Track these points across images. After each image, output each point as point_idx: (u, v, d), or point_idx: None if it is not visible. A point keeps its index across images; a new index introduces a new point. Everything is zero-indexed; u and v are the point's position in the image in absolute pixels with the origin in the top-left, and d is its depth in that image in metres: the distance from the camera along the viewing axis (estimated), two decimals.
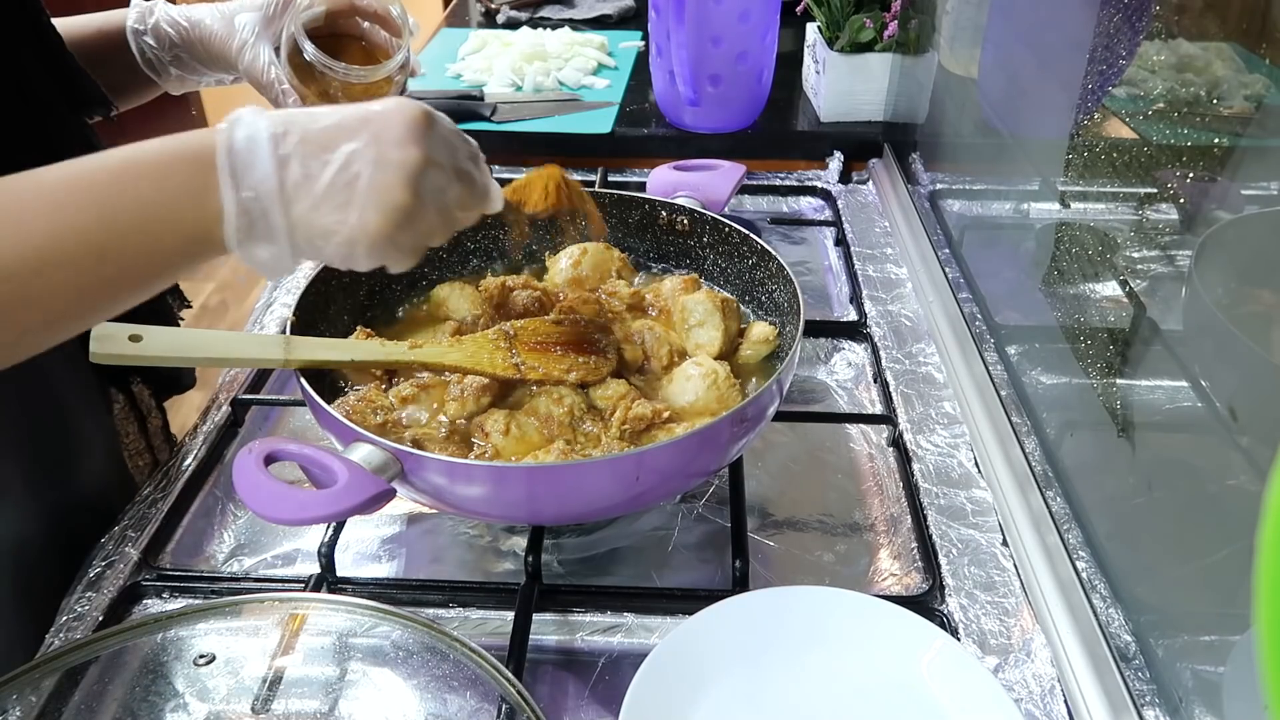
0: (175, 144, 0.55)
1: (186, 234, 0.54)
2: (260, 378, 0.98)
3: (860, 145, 1.42)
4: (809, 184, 1.34)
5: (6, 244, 0.49)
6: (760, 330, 0.86)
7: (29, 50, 0.74)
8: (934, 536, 0.79)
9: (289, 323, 0.78)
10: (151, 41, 0.87)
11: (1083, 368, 0.75)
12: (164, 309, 0.92)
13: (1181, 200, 0.65)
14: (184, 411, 0.99)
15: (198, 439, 0.89)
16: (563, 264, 0.94)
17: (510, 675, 0.60)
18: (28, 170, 0.52)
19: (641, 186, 1.02)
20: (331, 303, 0.86)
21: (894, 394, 0.94)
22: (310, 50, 0.83)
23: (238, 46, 0.86)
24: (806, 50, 1.52)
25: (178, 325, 0.89)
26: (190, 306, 0.96)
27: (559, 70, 1.58)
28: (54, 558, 0.77)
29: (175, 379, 0.93)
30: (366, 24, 0.90)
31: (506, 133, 1.42)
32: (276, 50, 0.86)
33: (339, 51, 0.90)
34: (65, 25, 0.82)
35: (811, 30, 1.47)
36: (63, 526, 0.78)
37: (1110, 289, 0.73)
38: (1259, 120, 0.59)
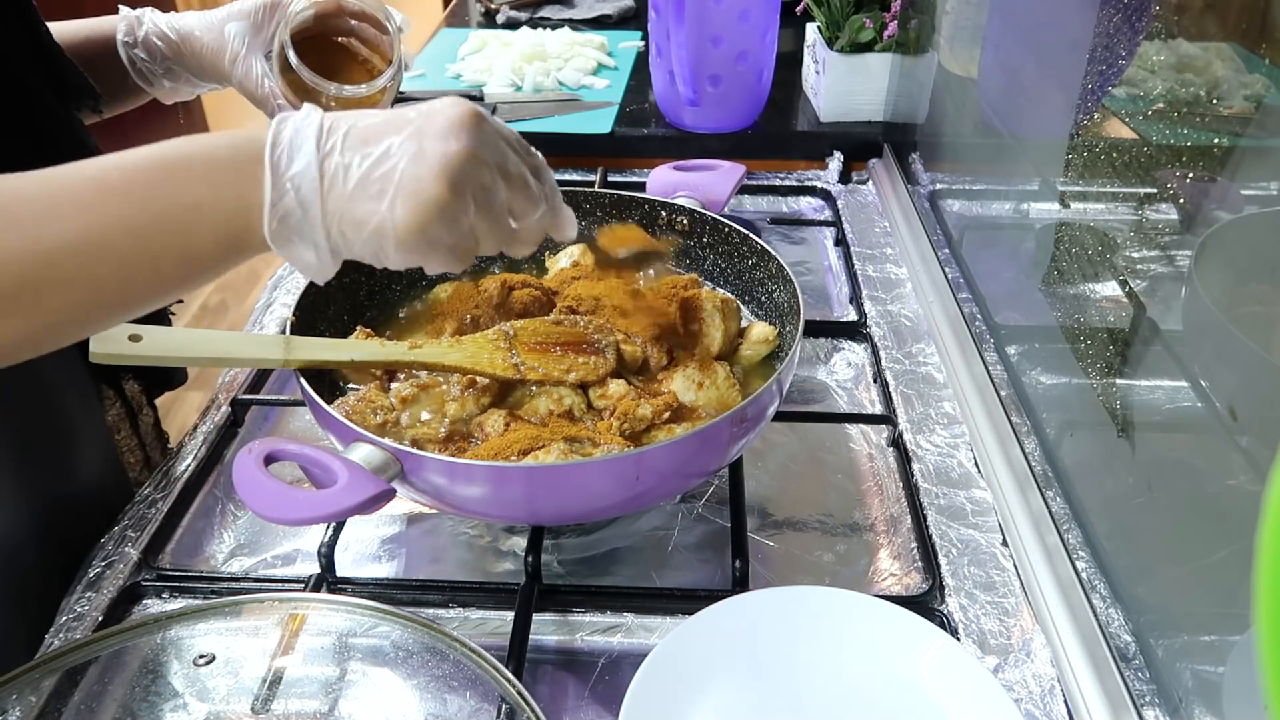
0: (226, 138, 0.55)
1: (228, 227, 0.54)
2: (260, 378, 0.98)
3: (860, 145, 1.42)
4: (809, 184, 1.34)
5: (48, 229, 0.49)
6: (760, 330, 0.86)
7: (13, 38, 0.74)
8: (934, 536, 0.79)
9: (289, 323, 0.78)
10: (142, 54, 0.87)
11: (1083, 368, 0.75)
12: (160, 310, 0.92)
13: (1181, 200, 0.65)
14: (184, 412, 0.99)
15: (197, 439, 0.89)
16: (563, 263, 0.94)
17: (510, 675, 0.60)
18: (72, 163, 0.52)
19: (641, 186, 1.02)
20: (331, 303, 0.86)
21: (894, 394, 0.94)
22: (298, 65, 0.83)
23: (230, 59, 0.85)
24: (806, 50, 1.52)
25: (169, 324, 0.89)
26: (180, 300, 0.96)
27: (559, 70, 1.58)
28: (47, 555, 0.77)
29: (167, 376, 0.93)
30: (355, 23, 0.89)
31: None
32: (268, 57, 0.86)
33: (331, 51, 0.89)
34: (53, 31, 0.82)
35: (811, 30, 1.47)
36: (55, 524, 0.78)
37: (1110, 289, 0.73)
38: (1259, 120, 0.59)
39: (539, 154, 0.63)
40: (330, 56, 0.88)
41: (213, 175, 0.54)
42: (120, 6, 0.87)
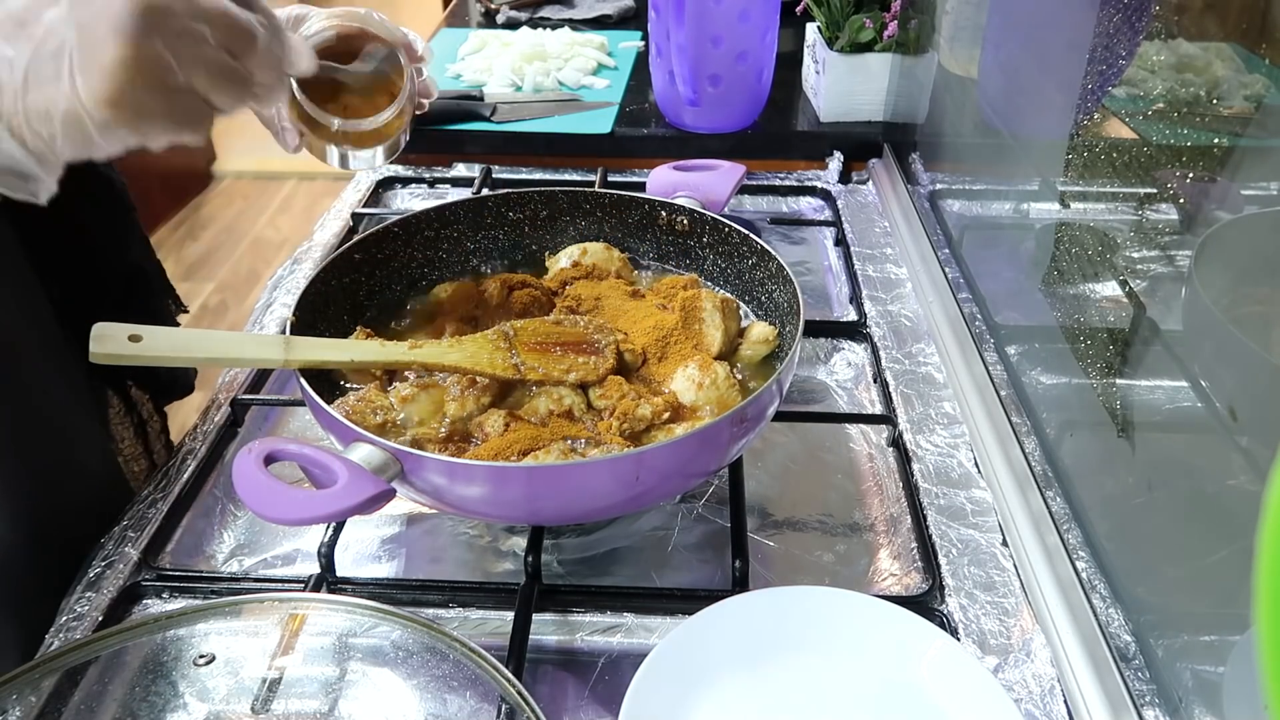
0: None
1: None
2: (260, 378, 0.98)
3: (860, 145, 1.42)
4: (809, 184, 1.34)
5: None
6: (760, 330, 0.86)
7: None
8: (934, 536, 0.79)
9: (289, 323, 0.78)
10: None
11: (1083, 368, 0.75)
12: (161, 313, 0.92)
13: (1181, 200, 0.65)
14: (184, 412, 0.99)
15: (197, 439, 0.89)
16: (563, 264, 0.94)
17: (510, 675, 0.60)
18: None
19: (641, 186, 1.02)
20: (331, 303, 0.86)
21: (894, 394, 0.94)
22: (300, 96, 0.80)
23: None
24: (806, 50, 1.52)
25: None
26: (187, 311, 0.96)
27: (559, 70, 1.58)
28: (43, 561, 0.77)
29: (174, 384, 0.92)
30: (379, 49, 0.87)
31: (506, 133, 1.42)
32: None
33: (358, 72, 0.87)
34: None
35: (811, 30, 1.47)
36: (52, 530, 0.78)
37: (1110, 289, 0.73)
38: (1259, 120, 0.59)
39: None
40: (345, 88, 0.84)
41: None
42: None
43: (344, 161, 0.80)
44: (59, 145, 0.50)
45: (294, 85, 0.81)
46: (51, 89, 0.48)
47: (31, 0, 0.48)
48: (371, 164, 0.82)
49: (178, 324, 0.91)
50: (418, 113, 0.86)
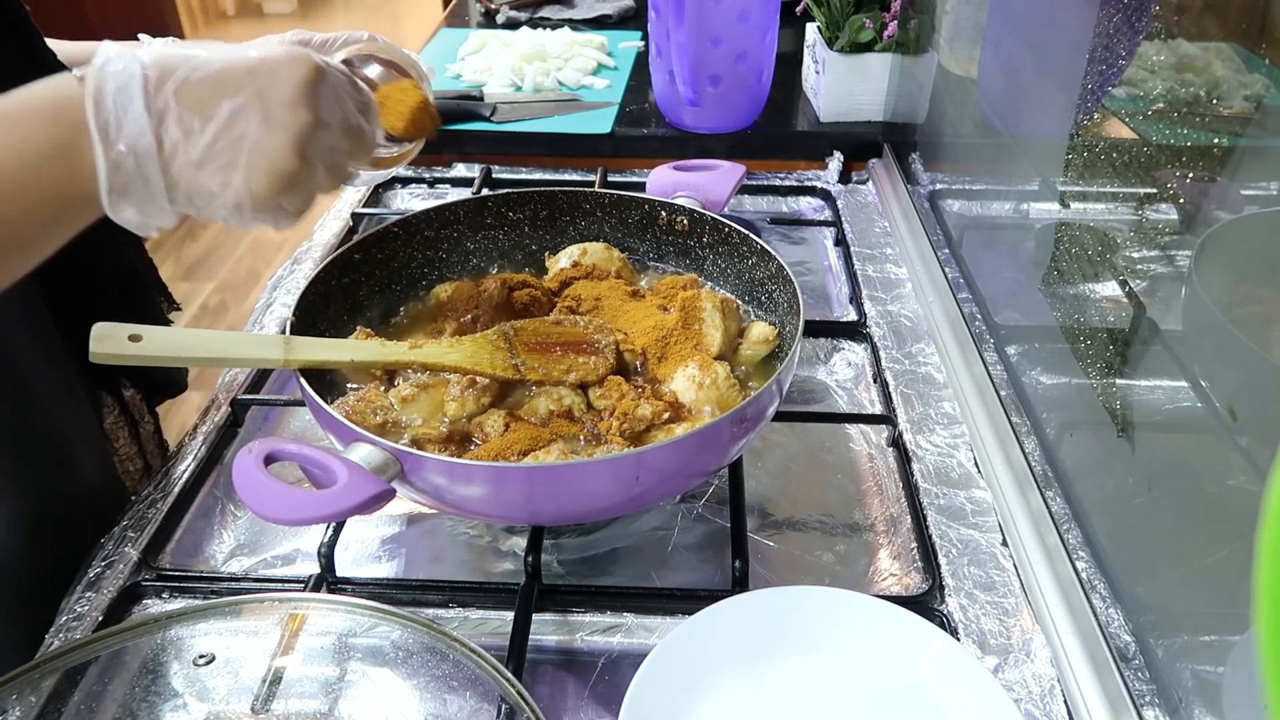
0: (37, 96, 0.51)
1: (60, 192, 0.51)
2: (260, 378, 0.98)
3: (860, 145, 1.42)
4: (809, 184, 1.34)
5: None
6: (760, 330, 0.86)
7: (6, 49, 0.73)
8: (934, 537, 0.79)
9: (289, 323, 0.78)
10: None
11: (1083, 368, 0.75)
12: (155, 312, 0.92)
13: (1181, 200, 0.65)
14: (183, 412, 0.99)
15: (197, 439, 0.89)
16: (563, 264, 0.94)
17: (510, 675, 0.60)
18: None
19: (641, 186, 1.02)
20: (331, 303, 0.86)
21: (894, 394, 0.94)
22: None
23: None
24: (806, 50, 1.52)
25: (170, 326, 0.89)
26: (179, 308, 0.96)
27: (559, 70, 1.58)
28: (42, 561, 0.77)
29: (167, 383, 0.92)
30: (380, 70, 0.87)
31: (506, 133, 1.41)
32: None
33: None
34: (56, 49, 0.81)
35: (811, 30, 1.47)
36: (49, 531, 0.78)
37: (1110, 289, 0.73)
38: (1259, 120, 0.59)
39: (366, 89, 0.62)
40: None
41: (32, 143, 0.50)
42: (107, 36, 0.87)
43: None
44: (205, 215, 0.55)
45: None
46: (224, 176, 0.53)
47: (217, 79, 0.53)
48: (373, 180, 0.83)
49: (170, 322, 0.91)
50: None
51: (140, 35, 0.86)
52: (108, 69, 0.52)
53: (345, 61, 0.81)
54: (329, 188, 0.59)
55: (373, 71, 0.79)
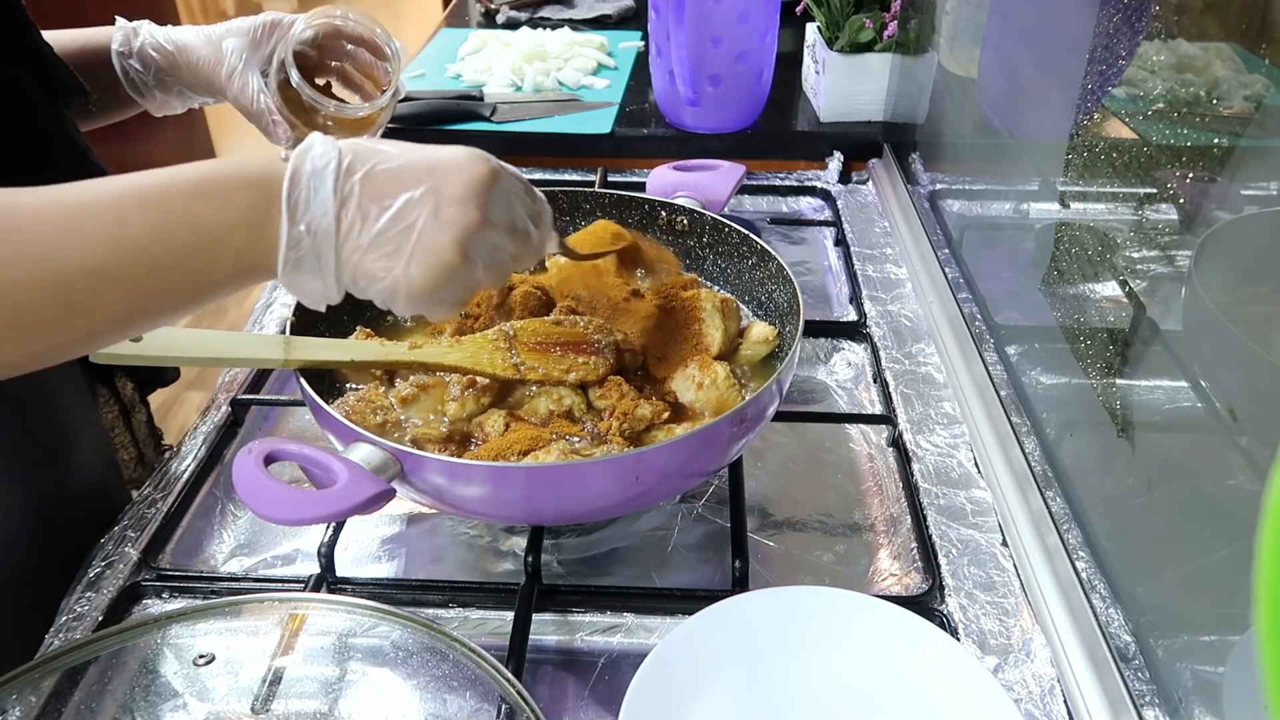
0: (242, 168, 0.54)
1: (241, 259, 0.54)
2: (260, 378, 0.98)
3: (860, 145, 1.42)
4: (809, 184, 1.34)
5: (65, 254, 0.49)
6: (760, 330, 0.86)
7: (1, 41, 0.74)
8: (934, 536, 0.79)
9: (289, 323, 0.78)
10: (137, 65, 0.87)
11: (1082, 368, 0.75)
12: None
13: (1181, 200, 0.65)
14: (184, 412, 0.99)
15: (197, 439, 0.89)
16: (563, 263, 0.94)
17: (510, 675, 0.60)
18: (81, 181, 0.52)
19: (641, 186, 1.02)
20: None
21: (894, 394, 0.94)
22: (298, 82, 0.83)
23: (226, 73, 0.85)
24: (806, 50, 1.52)
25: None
26: None
27: (559, 70, 1.58)
28: (42, 554, 0.77)
29: (159, 373, 0.93)
30: (351, 47, 0.90)
31: (506, 133, 1.42)
32: (264, 75, 0.86)
33: (324, 75, 0.90)
34: (49, 38, 0.82)
35: (811, 30, 1.47)
36: (50, 523, 0.78)
37: (1110, 289, 0.73)
38: (1259, 120, 0.59)
39: (542, 197, 0.64)
40: (316, 90, 0.89)
41: (230, 211, 0.53)
42: (117, 18, 0.87)
43: None
44: (366, 295, 0.57)
45: (292, 75, 0.82)
46: (388, 262, 0.55)
47: (400, 172, 0.56)
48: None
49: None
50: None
51: (116, 17, 0.87)
52: (310, 152, 0.55)
53: (315, 40, 0.84)
54: (489, 284, 0.60)
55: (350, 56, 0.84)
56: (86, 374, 0.84)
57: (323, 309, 0.59)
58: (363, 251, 0.55)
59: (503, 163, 0.59)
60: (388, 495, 0.63)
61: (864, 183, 1.37)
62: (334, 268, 0.55)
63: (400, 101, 1.02)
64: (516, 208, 0.60)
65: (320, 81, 0.91)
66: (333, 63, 0.91)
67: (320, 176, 0.54)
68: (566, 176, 1.37)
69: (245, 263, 0.54)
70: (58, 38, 0.85)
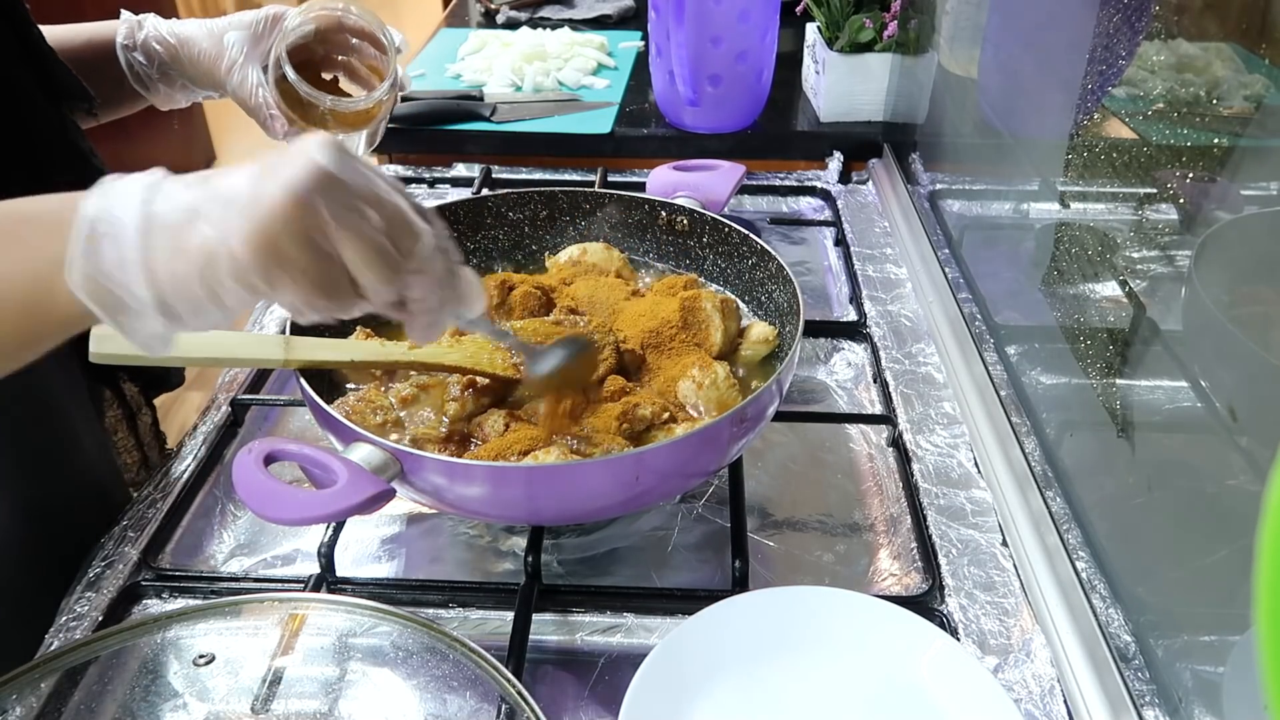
0: (51, 199, 0.49)
1: (30, 286, 0.49)
2: (260, 378, 0.98)
3: (860, 145, 1.42)
4: (809, 184, 1.34)
5: None
6: (760, 330, 0.86)
7: (2, 40, 0.74)
8: (934, 537, 0.79)
9: (289, 323, 0.78)
10: (140, 58, 0.87)
11: (1082, 368, 0.75)
12: None
13: (1181, 200, 0.65)
14: (184, 412, 0.99)
15: (197, 439, 0.89)
16: (563, 263, 0.94)
17: (510, 675, 0.60)
18: None
19: (641, 186, 1.02)
20: None
21: (894, 394, 0.94)
22: (294, 78, 0.82)
23: (226, 67, 0.85)
24: (806, 50, 1.52)
25: None
26: None
27: (559, 70, 1.58)
28: (44, 555, 0.77)
29: (164, 376, 0.93)
30: (355, 40, 0.89)
31: (506, 133, 1.42)
32: (265, 69, 0.85)
33: (330, 69, 0.90)
34: (53, 35, 0.81)
35: (811, 30, 1.47)
36: (52, 525, 0.78)
37: (1110, 289, 0.73)
38: (1259, 120, 0.59)
39: (426, 229, 0.51)
40: (321, 84, 0.88)
41: (21, 234, 0.48)
42: (122, 10, 0.87)
43: None
44: (180, 283, 0.48)
45: (287, 69, 0.82)
46: (205, 228, 0.47)
47: (223, 170, 0.49)
48: (354, 153, 0.85)
49: None
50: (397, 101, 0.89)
51: (121, 10, 0.87)
52: (114, 182, 0.49)
53: (317, 33, 0.84)
54: (367, 266, 0.49)
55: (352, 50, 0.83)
56: (89, 375, 0.84)
57: (155, 354, 0.52)
58: (172, 231, 0.47)
59: (363, 171, 0.50)
60: (388, 495, 0.63)
61: (864, 183, 1.37)
62: (140, 262, 0.47)
63: (401, 101, 1.01)
64: (377, 182, 0.50)
65: (327, 76, 0.90)
66: (339, 57, 0.90)
67: (128, 186, 0.48)
68: (566, 176, 1.37)
69: (35, 288, 0.48)
70: (64, 32, 0.85)
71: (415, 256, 0.50)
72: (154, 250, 0.47)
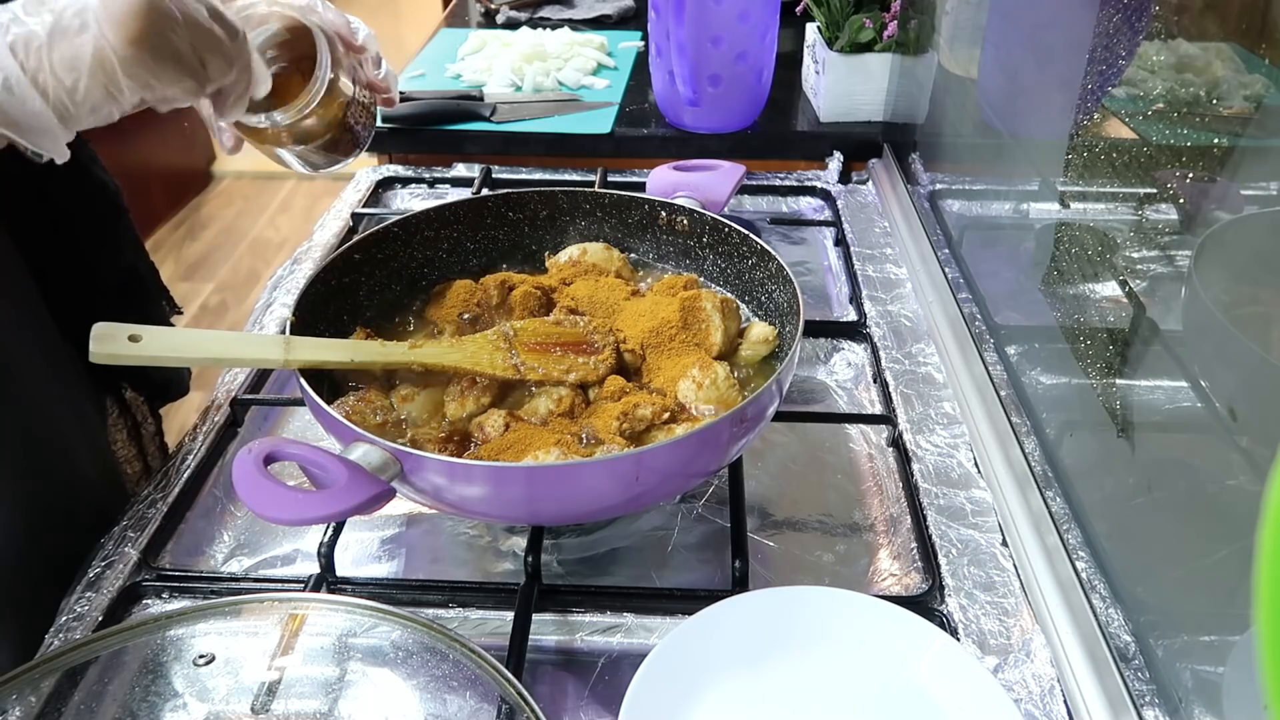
0: None
1: None
2: (260, 378, 0.98)
3: (860, 145, 1.42)
4: (809, 184, 1.34)
5: None
6: (760, 330, 0.86)
7: None
8: (934, 537, 0.79)
9: (289, 323, 0.78)
10: None
11: (1082, 368, 0.75)
12: (156, 315, 0.92)
13: (1181, 200, 0.65)
14: (183, 412, 0.99)
15: (197, 439, 0.89)
16: (563, 263, 0.94)
17: (510, 675, 0.60)
18: None
19: (641, 186, 1.02)
20: (331, 303, 0.86)
21: (894, 394, 0.94)
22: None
23: None
24: (806, 50, 1.52)
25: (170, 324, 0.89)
26: (181, 312, 0.96)
27: (559, 70, 1.58)
28: (40, 563, 0.77)
29: (168, 386, 0.92)
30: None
31: (506, 133, 1.42)
32: None
33: (302, 70, 0.81)
34: None
35: (811, 30, 1.47)
36: (49, 532, 0.78)
37: (1110, 289, 0.73)
38: (1259, 120, 0.59)
39: (222, 35, 0.59)
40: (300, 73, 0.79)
41: None
42: None
43: (305, 164, 0.78)
44: (82, 92, 0.54)
45: None
46: (78, 38, 0.52)
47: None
48: (330, 164, 0.79)
49: (172, 324, 0.91)
50: (383, 108, 0.82)
51: None
52: None
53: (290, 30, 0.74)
54: (205, 49, 0.56)
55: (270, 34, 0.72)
56: (88, 382, 0.83)
57: (59, 158, 0.57)
58: (48, 50, 0.53)
59: None
60: (388, 495, 0.63)
61: (864, 183, 1.37)
62: (31, 87, 0.53)
63: (400, 101, 0.97)
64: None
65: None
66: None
67: None
68: (566, 176, 1.37)
69: None
70: None
71: (234, 43, 0.59)
72: (39, 75, 0.53)
